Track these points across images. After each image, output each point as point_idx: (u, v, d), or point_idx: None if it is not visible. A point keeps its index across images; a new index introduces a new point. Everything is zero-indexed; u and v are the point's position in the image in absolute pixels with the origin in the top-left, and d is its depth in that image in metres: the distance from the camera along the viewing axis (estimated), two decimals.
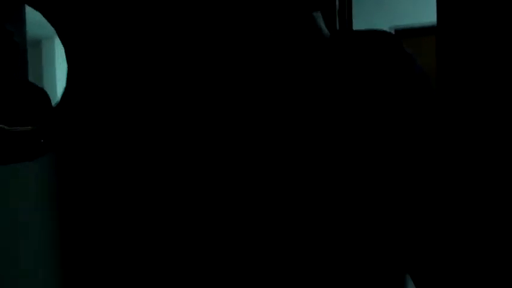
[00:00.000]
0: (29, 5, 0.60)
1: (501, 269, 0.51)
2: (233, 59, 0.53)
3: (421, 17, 4.33)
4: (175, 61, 0.54)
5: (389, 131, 0.52)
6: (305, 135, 0.52)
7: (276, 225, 0.52)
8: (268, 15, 0.53)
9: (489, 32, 1.28)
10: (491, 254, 0.52)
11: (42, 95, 0.63)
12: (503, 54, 1.27)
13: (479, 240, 0.52)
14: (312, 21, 0.55)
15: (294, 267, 0.53)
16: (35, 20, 0.75)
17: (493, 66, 1.28)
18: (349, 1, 1.95)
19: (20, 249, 1.53)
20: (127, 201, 0.57)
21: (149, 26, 0.55)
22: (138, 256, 0.57)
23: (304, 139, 0.52)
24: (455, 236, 0.52)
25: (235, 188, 0.52)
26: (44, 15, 0.58)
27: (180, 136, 0.54)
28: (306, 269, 0.53)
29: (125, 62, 0.56)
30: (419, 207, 0.52)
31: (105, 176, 0.58)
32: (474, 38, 1.30)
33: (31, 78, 0.72)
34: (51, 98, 0.63)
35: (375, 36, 0.55)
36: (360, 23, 1.84)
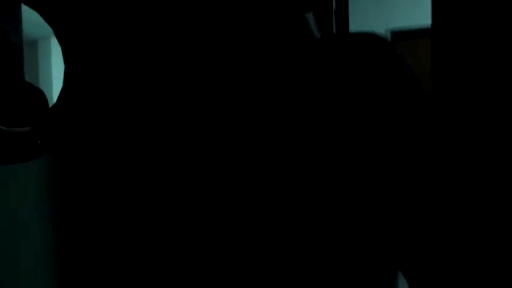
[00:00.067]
0: (26, 4, 0.60)
1: (497, 270, 0.51)
2: (224, 60, 0.53)
3: (417, 19, 4.32)
4: (171, 61, 0.54)
5: (379, 133, 0.52)
6: (296, 137, 0.52)
7: (274, 224, 0.52)
8: (259, 16, 0.53)
9: (484, 35, 1.29)
10: (488, 255, 0.52)
11: (40, 96, 0.63)
12: (498, 56, 1.27)
13: (474, 240, 0.52)
14: (303, 23, 0.55)
15: (292, 267, 0.53)
16: (31, 19, 0.74)
17: (489, 69, 1.28)
18: (345, 3, 1.95)
19: (20, 249, 1.53)
20: (126, 201, 0.57)
21: (146, 26, 0.54)
22: (138, 256, 0.57)
23: (295, 141, 0.52)
24: (449, 236, 0.52)
25: (234, 188, 0.52)
26: (41, 15, 0.58)
27: (178, 136, 0.54)
28: (304, 268, 0.53)
29: (123, 61, 0.56)
30: (410, 207, 0.53)
31: (105, 176, 0.58)
32: (469, 41, 1.31)
33: (27, 79, 0.71)
34: (48, 98, 0.63)
35: (364, 38, 0.56)
36: (356, 25, 1.84)
